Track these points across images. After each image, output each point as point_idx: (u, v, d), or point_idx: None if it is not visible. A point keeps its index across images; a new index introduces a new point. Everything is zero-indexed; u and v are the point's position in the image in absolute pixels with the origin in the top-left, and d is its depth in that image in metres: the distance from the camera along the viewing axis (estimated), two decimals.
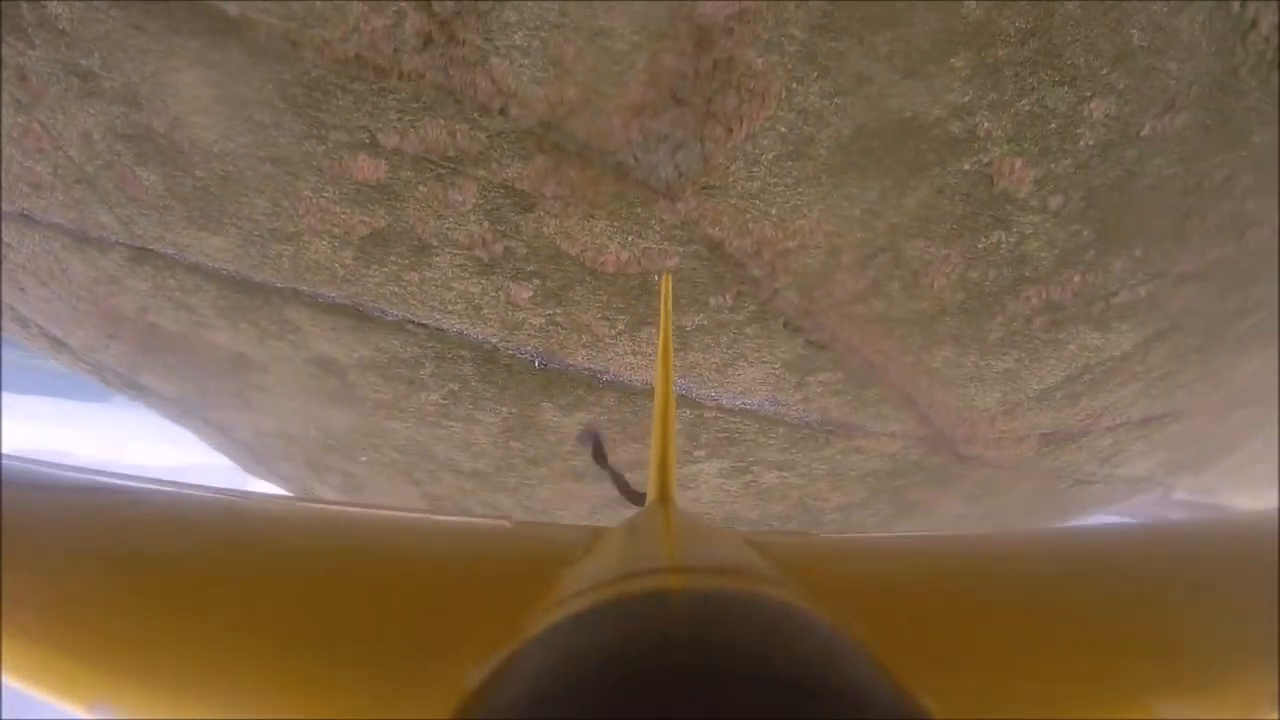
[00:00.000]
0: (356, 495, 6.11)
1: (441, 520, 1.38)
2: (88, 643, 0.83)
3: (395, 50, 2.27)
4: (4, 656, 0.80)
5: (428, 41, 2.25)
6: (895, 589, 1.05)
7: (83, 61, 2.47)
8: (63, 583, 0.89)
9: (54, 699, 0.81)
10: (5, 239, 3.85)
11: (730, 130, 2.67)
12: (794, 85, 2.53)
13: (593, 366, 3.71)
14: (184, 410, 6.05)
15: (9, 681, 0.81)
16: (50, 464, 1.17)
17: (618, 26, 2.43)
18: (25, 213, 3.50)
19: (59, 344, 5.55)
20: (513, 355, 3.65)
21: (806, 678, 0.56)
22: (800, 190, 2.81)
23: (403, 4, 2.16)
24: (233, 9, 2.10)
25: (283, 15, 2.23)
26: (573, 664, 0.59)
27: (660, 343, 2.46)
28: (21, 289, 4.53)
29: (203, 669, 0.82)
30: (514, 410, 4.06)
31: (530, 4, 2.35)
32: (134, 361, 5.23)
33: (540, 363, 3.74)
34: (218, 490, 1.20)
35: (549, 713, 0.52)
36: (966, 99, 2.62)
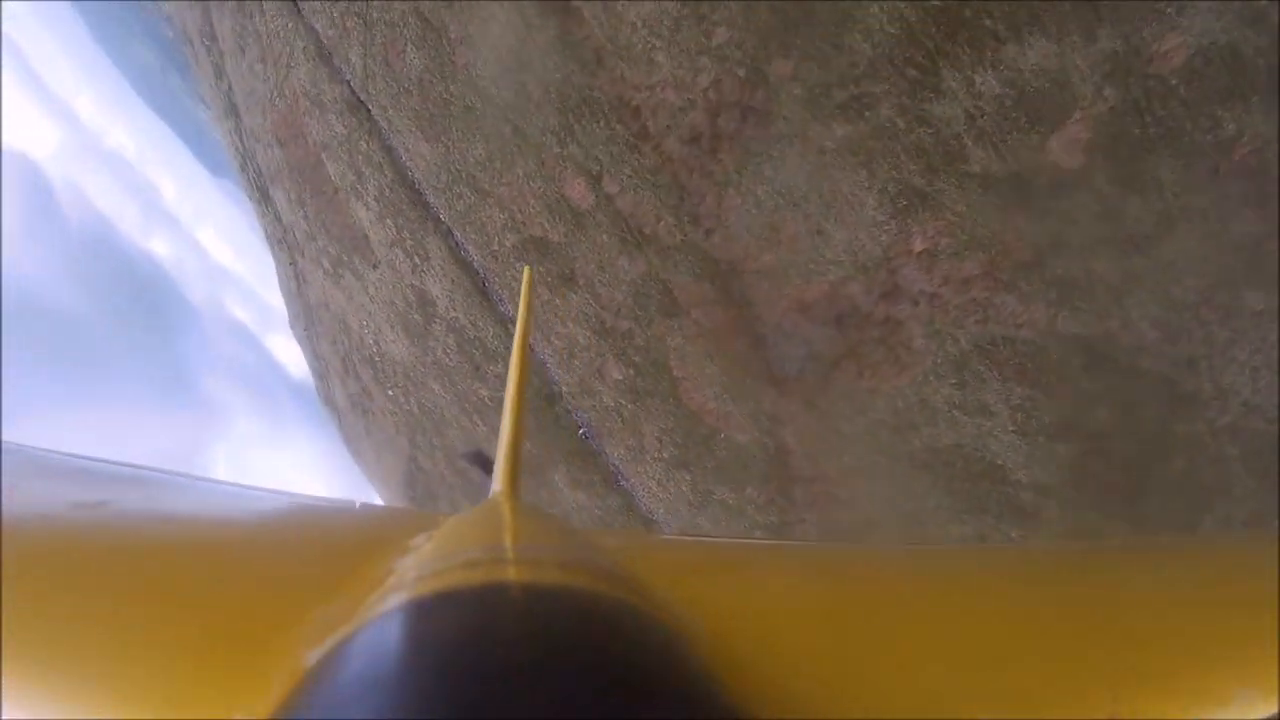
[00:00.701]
0: (360, 416, 6.19)
1: (287, 498, 1.28)
2: None
3: (667, 126, 2.44)
4: None
5: (695, 139, 2.42)
6: (733, 592, 1.00)
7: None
8: None
9: None
10: (265, 8, 4.18)
11: (860, 375, 2.78)
12: (931, 378, 2.65)
13: (621, 468, 3.80)
14: (282, 240, 6.20)
15: None
16: None
17: (836, 237, 2.58)
18: (298, 3, 3.86)
19: (233, 110, 5.96)
20: (568, 411, 3.76)
21: (638, 677, 0.54)
22: (877, 460, 2.91)
23: (696, 98, 2.33)
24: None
25: (607, 33, 2.42)
26: (407, 651, 0.57)
27: (517, 337, 2.48)
28: (242, 49, 4.86)
29: (30, 644, 0.76)
30: (536, 452, 4.16)
31: (784, 176, 2.51)
32: (278, 173, 5.48)
33: (585, 434, 3.86)
34: (66, 454, 1.18)
35: (380, 699, 0.51)
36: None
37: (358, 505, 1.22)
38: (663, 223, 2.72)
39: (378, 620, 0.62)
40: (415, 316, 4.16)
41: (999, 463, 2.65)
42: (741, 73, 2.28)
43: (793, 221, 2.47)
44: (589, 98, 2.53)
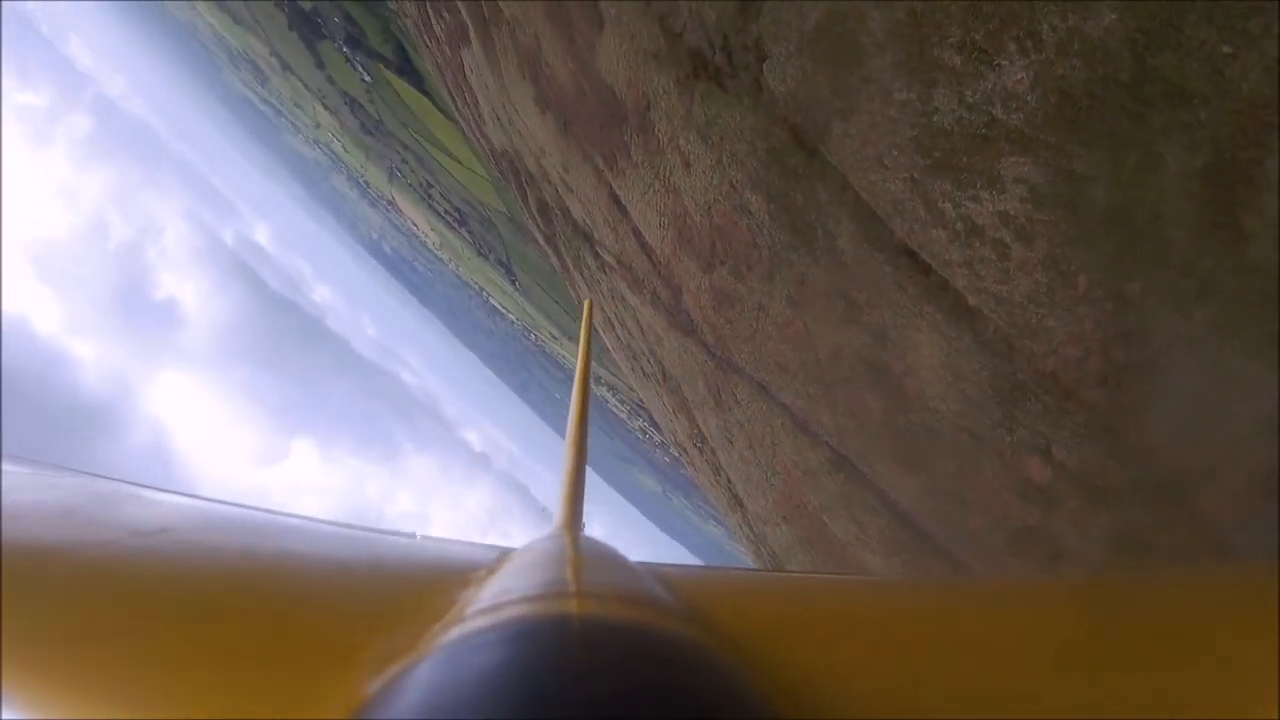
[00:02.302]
0: None
1: (347, 531, 1.37)
2: None
3: (1078, 379, 2.56)
4: None
5: (1103, 380, 2.51)
6: (800, 627, 1.03)
7: (854, 293, 3.22)
8: None
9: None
10: (739, 397, 4.61)
11: None
12: None
13: None
14: None
15: None
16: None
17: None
18: (763, 384, 4.24)
19: (737, 502, 6.09)
20: None
21: (701, 714, 0.60)
22: None
23: (1090, 345, 2.52)
24: (972, 300, 2.71)
25: (1008, 321, 2.69)
26: (466, 683, 0.63)
27: (578, 371, 2.71)
28: (730, 440, 5.14)
29: (90, 668, 0.88)
30: None
31: (1183, 381, 2.40)
32: (789, 549, 5.38)
33: None
34: (121, 481, 1.30)
35: None
36: None
37: (418, 537, 1.34)
38: (1110, 470, 2.63)
39: (438, 652, 0.69)
40: None
41: None
42: (1110, 306, 2.47)
43: (1217, 426, 2.34)
44: (1013, 380, 2.69)
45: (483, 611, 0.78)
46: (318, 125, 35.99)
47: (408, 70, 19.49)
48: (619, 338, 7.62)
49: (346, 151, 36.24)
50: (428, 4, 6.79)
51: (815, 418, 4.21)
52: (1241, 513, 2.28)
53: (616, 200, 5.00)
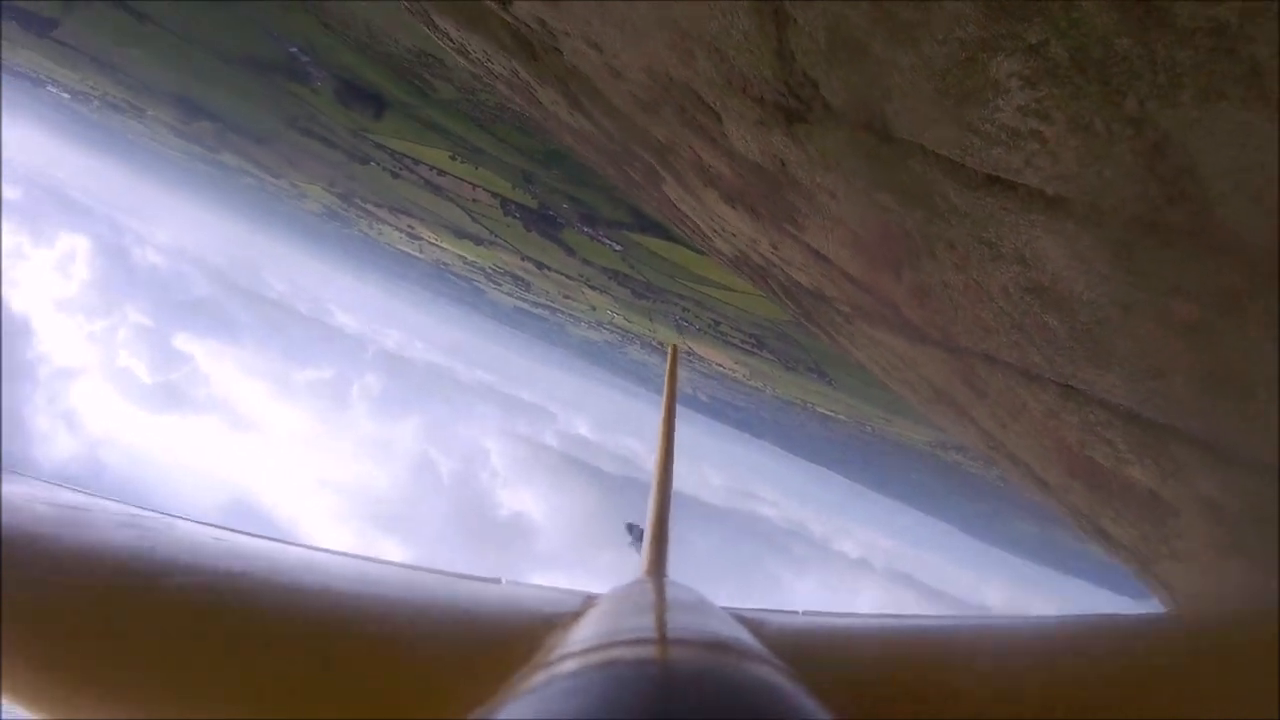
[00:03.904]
0: None
1: (432, 575, 1.50)
2: (72, 659, 0.98)
3: (1152, 209, 2.85)
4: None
5: (1171, 201, 2.87)
6: (883, 673, 1.16)
7: (984, 234, 3.36)
8: (59, 605, 1.03)
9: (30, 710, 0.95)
10: (982, 375, 4.63)
11: None
12: None
13: None
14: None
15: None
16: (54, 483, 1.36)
17: None
18: (986, 353, 4.36)
19: (1042, 483, 5.94)
20: None
21: None
22: None
23: (1140, 174, 2.84)
24: (1049, 189, 2.81)
25: (1079, 191, 2.77)
26: None
27: (663, 416, 2.71)
28: (1003, 425, 5.06)
29: (180, 706, 0.96)
30: None
31: None
32: (1092, 506, 5.25)
33: None
34: (220, 528, 1.35)
35: None
36: None
37: (503, 583, 1.42)
38: (1231, 270, 2.90)
39: (524, 696, 0.76)
40: None
41: None
42: (1132, 131, 2.81)
43: None
44: (1118, 240, 2.88)
45: (569, 656, 0.84)
46: (593, 308, 36.77)
47: (648, 225, 20.00)
48: (903, 380, 7.67)
49: (631, 322, 36.82)
50: (622, 165, 7.15)
51: (1028, 359, 4.36)
52: None
53: (816, 253, 5.32)
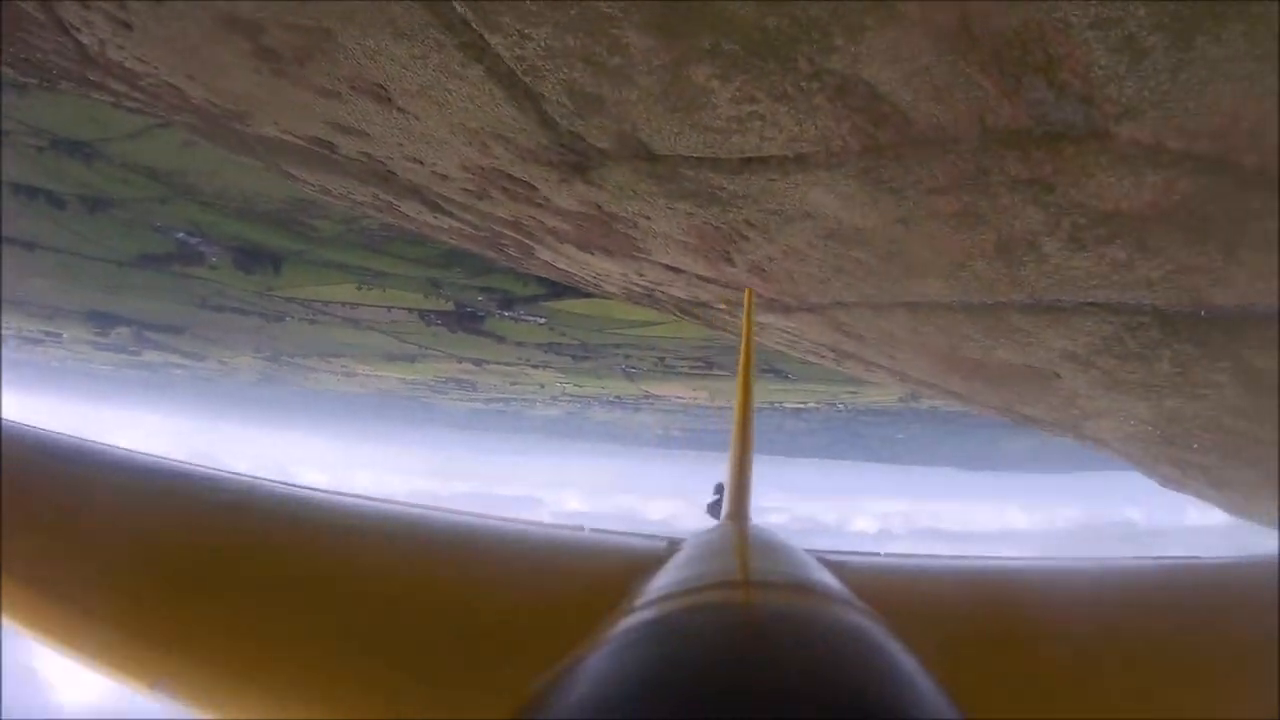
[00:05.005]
0: None
1: (519, 527, 1.54)
2: (152, 625, 0.98)
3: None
4: (67, 634, 0.95)
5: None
6: (963, 615, 1.21)
7: (769, 204, 3.82)
8: (134, 568, 1.04)
9: (116, 677, 0.96)
10: (843, 320, 5.01)
11: None
12: None
13: None
14: None
15: (66, 659, 0.96)
16: (118, 447, 1.35)
17: None
18: (835, 300, 4.78)
19: (956, 395, 6.42)
20: None
21: (871, 699, 0.65)
22: None
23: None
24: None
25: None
26: (640, 670, 0.68)
27: (741, 363, 2.74)
28: (891, 357, 5.50)
29: (266, 663, 0.98)
30: None
31: None
32: (1001, 396, 5.85)
33: None
34: (290, 484, 1.37)
35: (611, 715, 0.62)
36: None
37: (588, 531, 1.47)
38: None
39: (608, 642, 0.77)
40: None
41: None
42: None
43: None
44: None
45: (653, 602, 0.86)
46: (542, 386, 36.75)
47: (560, 290, 19.83)
48: (807, 351, 7.95)
49: (582, 386, 36.85)
50: (499, 246, 7.45)
51: (865, 294, 4.80)
52: None
53: (669, 267, 5.68)
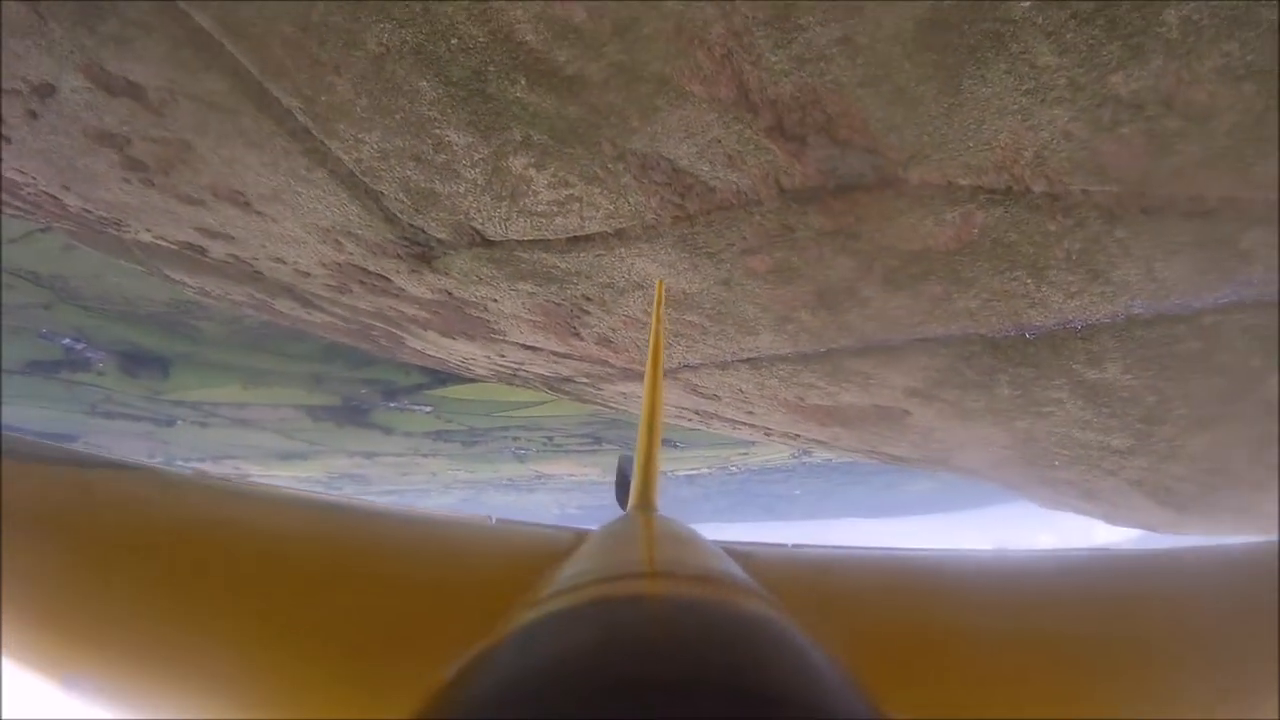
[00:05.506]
0: None
1: (424, 516, 1.53)
2: (66, 616, 0.95)
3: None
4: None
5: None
6: (873, 603, 1.22)
7: (600, 278, 4.06)
8: (47, 556, 1.00)
9: (26, 669, 0.92)
10: (695, 382, 5.20)
11: None
12: None
13: None
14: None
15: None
16: (44, 440, 1.33)
17: None
18: (684, 364, 5.02)
19: (822, 444, 6.49)
20: None
21: (777, 689, 0.63)
22: None
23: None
24: None
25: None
26: (545, 664, 0.67)
27: (650, 349, 2.73)
28: (750, 413, 5.61)
29: (178, 652, 0.94)
30: None
31: None
32: (864, 439, 6.03)
33: None
34: (211, 475, 1.27)
35: (514, 709, 0.59)
36: None
37: (494, 521, 1.46)
38: None
39: (515, 635, 0.76)
40: None
41: None
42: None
43: None
44: None
45: (560, 593, 0.86)
46: (434, 474, 36.07)
47: (443, 377, 19.26)
48: (673, 417, 8.15)
49: (473, 472, 35.83)
50: (372, 337, 7.51)
51: (709, 354, 5.05)
52: None
53: (525, 346, 5.90)
